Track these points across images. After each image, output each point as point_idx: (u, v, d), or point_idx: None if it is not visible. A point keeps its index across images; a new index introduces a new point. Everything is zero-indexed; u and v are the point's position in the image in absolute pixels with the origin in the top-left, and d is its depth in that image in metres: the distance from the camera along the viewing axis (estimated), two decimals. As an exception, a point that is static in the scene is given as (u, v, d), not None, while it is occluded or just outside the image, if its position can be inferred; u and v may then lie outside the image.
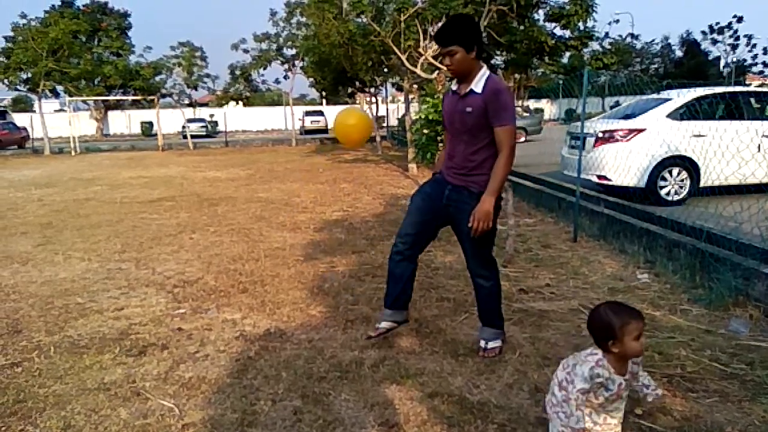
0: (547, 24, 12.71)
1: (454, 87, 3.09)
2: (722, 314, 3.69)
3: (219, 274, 5.04)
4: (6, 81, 24.57)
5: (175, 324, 3.85)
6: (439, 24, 3.07)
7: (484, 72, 2.94)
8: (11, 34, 26.10)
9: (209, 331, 3.71)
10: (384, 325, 3.32)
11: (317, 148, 24.77)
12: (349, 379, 2.97)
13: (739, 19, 49.85)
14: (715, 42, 51.66)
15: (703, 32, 52.38)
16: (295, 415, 2.63)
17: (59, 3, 38.46)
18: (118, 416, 2.68)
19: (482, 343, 3.23)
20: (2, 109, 39.00)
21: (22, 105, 49.38)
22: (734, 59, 51.40)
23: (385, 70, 18.41)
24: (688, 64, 50.71)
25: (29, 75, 24.67)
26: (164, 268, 5.27)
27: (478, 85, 2.92)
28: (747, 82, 41.16)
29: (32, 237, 6.86)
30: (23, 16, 26.54)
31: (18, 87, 25.69)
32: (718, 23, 50.83)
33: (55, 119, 37.19)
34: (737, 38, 50.64)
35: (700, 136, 7.00)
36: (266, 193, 10.29)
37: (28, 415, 2.69)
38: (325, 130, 37.98)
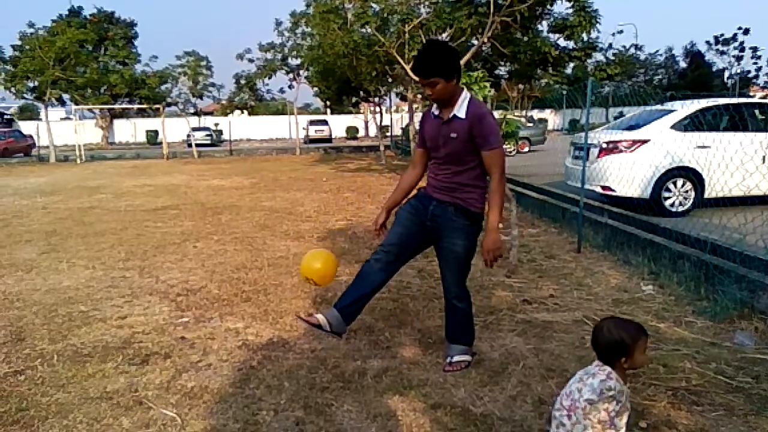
0: (551, 35, 12.74)
1: (435, 111, 3.02)
2: (727, 327, 3.67)
3: (222, 282, 5.04)
4: (13, 89, 24.81)
5: (178, 333, 3.85)
6: (421, 52, 2.97)
7: (466, 95, 2.93)
8: (19, 42, 26.39)
9: (212, 340, 3.71)
10: (321, 319, 3.16)
11: (321, 157, 24.84)
12: (351, 389, 2.96)
13: (746, 31, 49.87)
14: (721, 53, 51.65)
15: (708, 43, 52.46)
16: (298, 426, 2.62)
17: (66, 12, 38.95)
18: (120, 425, 2.67)
19: (448, 358, 3.22)
20: (8, 117, 39.35)
21: (29, 113, 49.72)
22: (738, 71, 51.40)
23: (389, 80, 18.52)
24: (692, 75, 50.69)
25: (36, 83, 24.94)
26: (168, 277, 5.28)
27: (460, 110, 2.90)
28: (751, 94, 41.12)
29: (37, 245, 6.88)
30: (31, 25, 26.77)
31: (25, 95, 25.98)
32: (722, 35, 50.89)
33: (61, 127, 37.32)
34: (742, 50, 50.64)
35: (704, 147, 6.99)
36: (270, 201, 10.31)
37: (30, 424, 2.69)
38: (329, 140, 38.14)
